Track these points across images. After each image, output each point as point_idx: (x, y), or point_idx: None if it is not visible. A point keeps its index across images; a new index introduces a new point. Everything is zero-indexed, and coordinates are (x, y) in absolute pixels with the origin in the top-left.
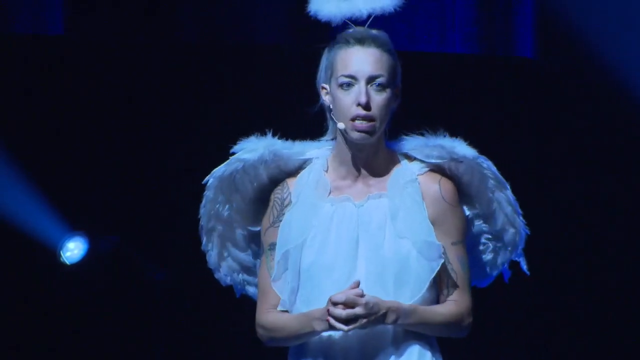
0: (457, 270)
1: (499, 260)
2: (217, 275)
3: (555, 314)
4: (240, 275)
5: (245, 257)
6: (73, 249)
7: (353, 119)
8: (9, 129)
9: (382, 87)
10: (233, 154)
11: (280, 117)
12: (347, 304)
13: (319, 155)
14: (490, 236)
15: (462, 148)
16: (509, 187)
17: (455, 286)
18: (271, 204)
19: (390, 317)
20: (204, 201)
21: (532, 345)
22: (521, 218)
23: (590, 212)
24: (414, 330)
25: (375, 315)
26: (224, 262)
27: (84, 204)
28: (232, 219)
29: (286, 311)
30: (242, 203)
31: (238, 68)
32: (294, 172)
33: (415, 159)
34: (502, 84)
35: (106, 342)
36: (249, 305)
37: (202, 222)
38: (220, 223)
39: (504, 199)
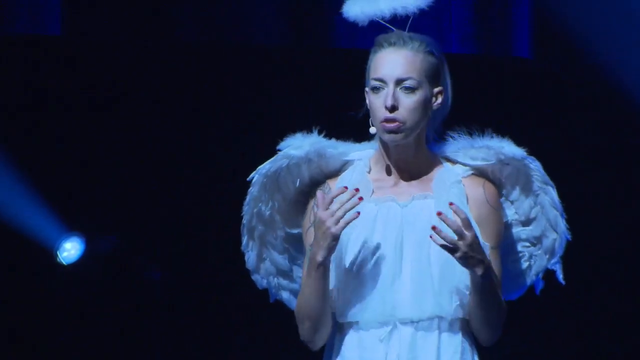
0: (496, 274)
1: (534, 270)
2: (254, 277)
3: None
4: (276, 279)
5: (282, 260)
6: (70, 249)
7: (382, 122)
8: (7, 129)
9: (411, 89)
10: (279, 150)
11: (279, 117)
12: (457, 212)
13: (361, 156)
14: (527, 243)
15: (510, 148)
16: (555, 189)
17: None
18: (311, 204)
19: (480, 269)
20: (247, 198)
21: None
22: (564, 222)
23: (588, 211)
24: (482, 298)
25: (477, 256)
26: (262, 264)
27: (81, 204)
28: (273, 220)
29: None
30: (283, 203)
31: (237, 68)
32: (333, 174)
33: (457, 162)
34: (499, 84)
35: (104, 342)
36: (246, 305)
37: (245, 220)
38: (262, 223)
39: (548, 202)
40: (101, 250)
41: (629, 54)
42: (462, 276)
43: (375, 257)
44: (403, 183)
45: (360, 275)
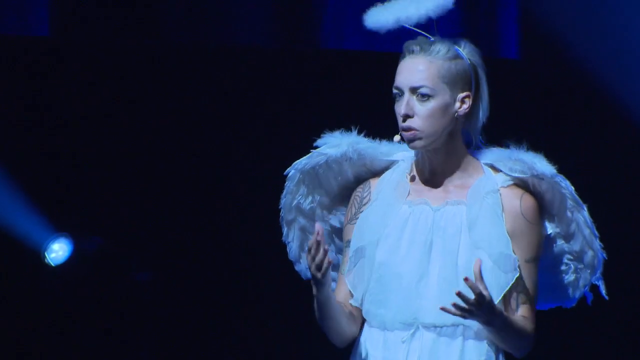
0: (529, 287)
1: (581, 282)
2: (297, 268)
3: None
4: None
5: (330, 254)
6: (57, 250)
7: (401, 130)
8: None
9: (426, 96)
10: (316, 147)
11: (267, 118)
12: (472, 288)
13: (405, 157)
14: (571, 257)
15: (541, 165)
16: (585, 208)
17: (525, 303)
18: (351, 201)
19: (494, 314)
20: (284, 192)
21: None
22: (598, 241)
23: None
24: (492, 334)
25: (490, 314)
26: (305, 255)
27: (68, 205)
28: (314, 213)
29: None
30: (327, 198)
31: (224, 69)
32: (379, 172)
33: (500, 171)
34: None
35: (91, 343)
36: (235, 305)
37: (282, 213)
38: (302, 216)
39: (581, 220)
40: (89, 251)
41: (616, 55)
42: (490, 286)
43: (403, 259)
44: (440, 188)
45: (388, 275)
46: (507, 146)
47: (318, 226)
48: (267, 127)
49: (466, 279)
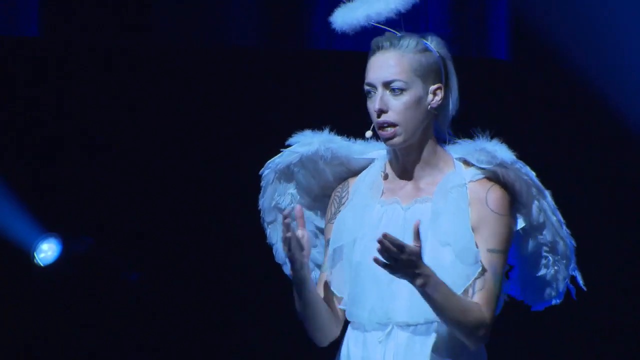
0: (487, 277)
1: (560, 275)
2: (285, 270)
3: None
4: (312, 272)
5: (315, 253)
6: (47, 251)
7: (378, 129)
8: None
9: (399, 90)
10: (288, 146)
11: (256, 119)
12: (391, 241)
13: (380, 156)
14: (547, 248)
15: (502, 152)
16: (549, 195)
17: (482, 291)
18: (331, 200)
19: (419, 280)
20: (261, 193)
21: None
22: (565, 228)
23: (565, 211)
24: (432, 308)
25: (415, 270)
26: None
27: (58, 205)
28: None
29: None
30: (308, 199)
31: (214, 70)
32: (358, 172)
33: (472, 164)
34: (475, 86)
35: (80, 344)
36: (224, 306)
37: (262, 214)
38: (281, 214)
39: (547, 207)
40: (78, 251)
41: (605, 57)
42: (452, 281)
43: (365, 259)
44: (411, 185)
45: (363, 276)
46: (474, 137)
47: (297, 208)
48: (258, 128)
49: (384, 235)
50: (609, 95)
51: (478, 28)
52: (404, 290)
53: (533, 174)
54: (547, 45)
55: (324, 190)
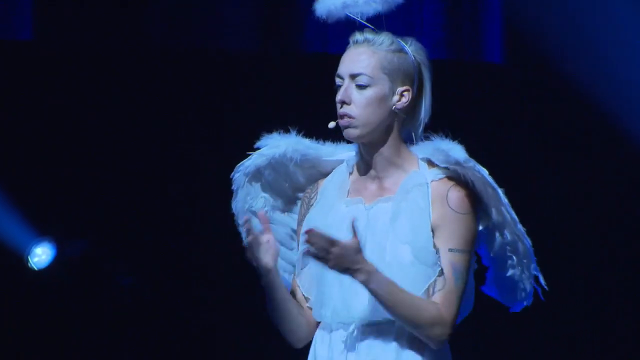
0: (448, 277)
1: (524, 275)
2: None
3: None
4: (292, 275)
5: (292, 254)
6: (41, 255)
7: (338, 116)
8: None
9: (363, 85)
10: (257, 148)
11: (250, 121)
12: (321, 236)
13: (349, 157)
14: (510, 248)
15: (454, 151)
16: (501, 192)
17: (442, 293)
18: (301, 202)
19: (361, 276)
20: (233, 196)
21: None
22: (520, 227)
23: (560, 214)
24: (381, 304)
25: (349, 263)
26: None
27: (51, 208)
28: (271, 217)
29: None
30: (282, 202)
31: (209, 73)
32: (330, 173)
33: (436, 164)
34: (470, 90)
35: (74, 347)
36: (217, 310)
37: (236, 217)
38: (256, 217)
39: (503, 207)
40: (72, 255)
41: (599, 60)
42: (413, 281)
43: None
44: (376, 184)
45: (329, 276)
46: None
47: (260, 213)
48: (253, 131)
49: (309, 231)
50: (602, 98)
51: (472, 32)
52: (365, 289)
53: (486, 172)
54: (541, 48)
55: (297, 192)
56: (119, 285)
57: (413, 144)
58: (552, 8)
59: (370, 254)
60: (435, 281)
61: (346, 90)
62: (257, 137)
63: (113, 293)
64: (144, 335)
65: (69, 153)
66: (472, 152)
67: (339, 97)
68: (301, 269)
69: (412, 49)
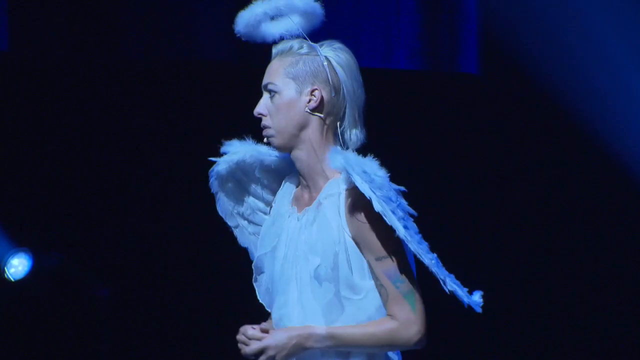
0: (386, 285)
1: (447, 287)
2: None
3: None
4: None
5: None
6: (17, 265)
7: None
8: None
9: (273, 93)
10: (223, 154)
11: (225, 132)
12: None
13: None
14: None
15: (333, 159)
16: (374, 199)
17: (390, 301)
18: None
19: (306, 344)
20: (216, 201)
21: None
22: (402, 234)
23: (537, 222)
24: (345, 349)
25: (287, 349)
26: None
27: (28, 220)
28: (255, 219)
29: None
30: (263, 204)
31: (182, 84)
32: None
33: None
34: (446, 100)
35: (50, 359)
36: (194, 322)
37: (225, 221)
38: (246, 220)
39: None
40: (49, 266)
41: (576, 69)
42: (324, 294)
43: (276, 270)
44: (307, 193)
45: (270, 287)
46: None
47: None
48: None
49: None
50: (578, 108)
51: (448, 42)
52: (292, 296)
53: (359, 180)
54: (517, 59)
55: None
56: (95, 297)
57: (343, 147)
58: (528, 19)
59: (298, 263)
60: (371, 293)
61: (262, 102)
62: None
63: (89, 305)
64: (120, 347)
65: (45, 164)
66: (448, 162)
67: (255, 111)
68: (256, 277)
69: (327, 49)
